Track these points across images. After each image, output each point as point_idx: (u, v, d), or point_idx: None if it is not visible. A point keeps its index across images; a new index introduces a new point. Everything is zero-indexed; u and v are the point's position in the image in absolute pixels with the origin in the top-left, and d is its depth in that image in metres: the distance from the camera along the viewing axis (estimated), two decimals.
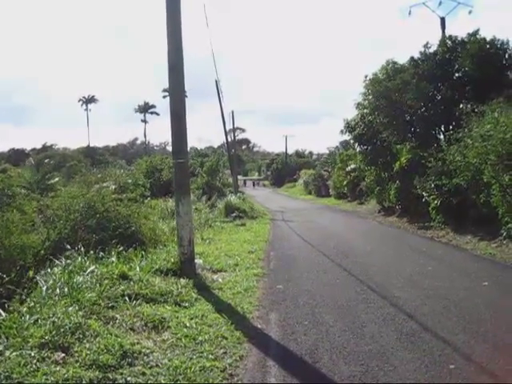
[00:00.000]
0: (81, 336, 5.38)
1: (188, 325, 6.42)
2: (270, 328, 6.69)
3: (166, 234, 15.11)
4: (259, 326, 6.77)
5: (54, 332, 5.26)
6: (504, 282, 9.36)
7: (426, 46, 20.36)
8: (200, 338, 5.95)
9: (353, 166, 35.06)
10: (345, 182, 36.59)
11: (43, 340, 5.10)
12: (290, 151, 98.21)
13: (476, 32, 19.30)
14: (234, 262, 11.36)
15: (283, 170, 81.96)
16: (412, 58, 20.54)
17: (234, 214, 24.88)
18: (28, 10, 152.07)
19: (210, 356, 5.44)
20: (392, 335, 6.21)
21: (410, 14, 30.02)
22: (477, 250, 12.92)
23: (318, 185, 49.76)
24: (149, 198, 25.42)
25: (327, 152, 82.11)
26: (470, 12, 40.09)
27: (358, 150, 26.38)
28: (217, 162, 38.34)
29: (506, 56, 18.59)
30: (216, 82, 35.97)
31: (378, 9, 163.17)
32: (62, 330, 5.34)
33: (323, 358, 5.52)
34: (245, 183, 79.37)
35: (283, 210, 32.73)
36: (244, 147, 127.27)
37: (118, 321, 6.15)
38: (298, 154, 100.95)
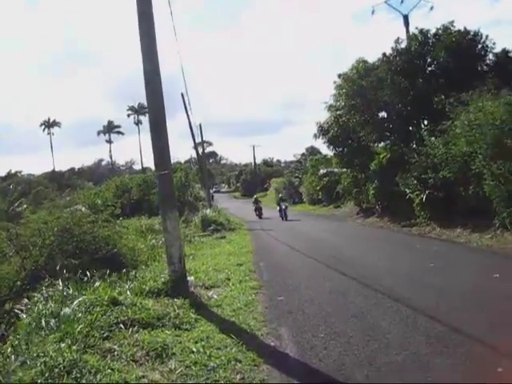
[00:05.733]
0: (78, 375, 4.62)
1: (194, 350, 5.68)
2: (284, 345, 6.01)
3: (146, 253, 14.40)
4: (272, 344, 6.08)
5: (46, 374, 4.54)
6: None
7: (397, 41, 20.41)
8: (211, 364, 5.22)
9: (325, 171, 34.91)
10: (318, 187, 36.34)
11: None
12: (257, 161, 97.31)
13: (451, 23, 19.43)
14: (225, 277, 10.65)
15: (253, 180, 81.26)
16: (384, 54, 20.42)
17: (212, 228, 24.20)
18: None
19: None
20: (420, 340, 5.67)
21: (373, 13, 30.07)
22: (472, 243, 12.67)
23: (289, 192, 49.46)
24: (121, 218, 24.58)
25: (294, 159, 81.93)
26: (431, 8, 40.84)
27: (332, 152, 26.00)
28: (186, 176, 37.31)
29: (479, 46, 18.62)
30: (182, 94, 35.19)
31: (334, 15, 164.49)
32: (56, 370, 4.61)
33: (355, 373, 4.92)
34: (212, 198, 72.44)
35: (259, 219, 32.19)
36: (211, 160, 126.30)
37: (116, 352, 5.40)
38: (266, 163, 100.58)
